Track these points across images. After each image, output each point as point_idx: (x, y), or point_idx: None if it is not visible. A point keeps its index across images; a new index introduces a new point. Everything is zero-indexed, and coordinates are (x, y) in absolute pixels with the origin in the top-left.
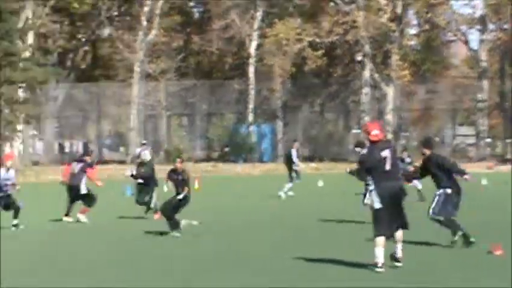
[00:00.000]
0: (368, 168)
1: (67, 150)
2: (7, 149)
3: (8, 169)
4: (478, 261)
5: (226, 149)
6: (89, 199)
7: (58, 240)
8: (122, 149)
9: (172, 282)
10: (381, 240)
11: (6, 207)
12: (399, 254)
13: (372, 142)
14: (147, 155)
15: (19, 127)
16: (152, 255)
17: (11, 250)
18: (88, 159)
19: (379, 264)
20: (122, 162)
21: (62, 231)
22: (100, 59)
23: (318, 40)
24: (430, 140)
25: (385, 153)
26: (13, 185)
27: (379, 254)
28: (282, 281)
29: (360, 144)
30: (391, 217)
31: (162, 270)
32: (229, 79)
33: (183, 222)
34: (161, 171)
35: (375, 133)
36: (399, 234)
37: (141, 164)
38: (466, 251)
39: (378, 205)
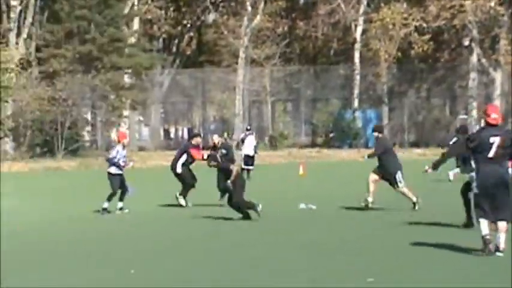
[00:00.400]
0: (473, 149)
1: (172, 136)
2: (113, 134)
3: (123, 147)
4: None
5: (331, 135)
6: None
7: (165, 225)
8: (225, 134)
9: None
10: (483, 223)
11: (122, 185)
12: (501, 244)
13: (488, 125)
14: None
15: (125, 113)
16: (261, 241)
17: (124, 232)
18: (195, 141)
19: (487, 245)
20: None
21: (166, 216)
22: (205, 45)
23: (424, 25)
24: None
25: (494, 139)
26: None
27: (484, 234)
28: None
29: (462, 130)
30: (490, 204)
31: (275, 257)
32: (335, 64)
33: (302, 206)
34: (267, 157)
35: (494, 117)
36: (501, 224)
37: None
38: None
39: (476, 190)
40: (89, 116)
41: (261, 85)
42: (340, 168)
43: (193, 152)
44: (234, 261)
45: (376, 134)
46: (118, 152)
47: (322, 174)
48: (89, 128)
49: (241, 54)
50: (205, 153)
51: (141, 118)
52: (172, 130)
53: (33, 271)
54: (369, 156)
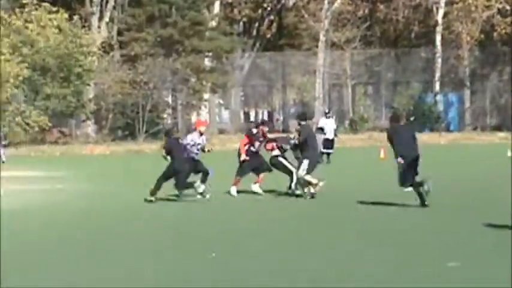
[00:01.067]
0: None
1: (252, 119)
2: (193, 117)
3: (201, 134)
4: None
5: (412, 118)
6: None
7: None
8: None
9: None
10: None
11: (196, 171)
12: None
13: None
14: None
15: (205, 96)
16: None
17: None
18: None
19: None
20: None
21: (242, 199)
22: (285, 28)
23: (507, 7)
24: None
25: None
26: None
27: None
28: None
29: None
30: None
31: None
32: (416, 47)
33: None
34: (347, 140)
35: None
36: None
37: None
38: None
39: None
40: (169, 99)
41: (341, 68)
42: (422, 151)
43: (268, 145)
44: (320, 241)
45: (300, 122)
46: (192, 140)
47: None
48: (169, 111)
49: (322, 38)
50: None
51: (221, 101)
52: (252, 113)
53: (111, 252)
54: (291, 146)
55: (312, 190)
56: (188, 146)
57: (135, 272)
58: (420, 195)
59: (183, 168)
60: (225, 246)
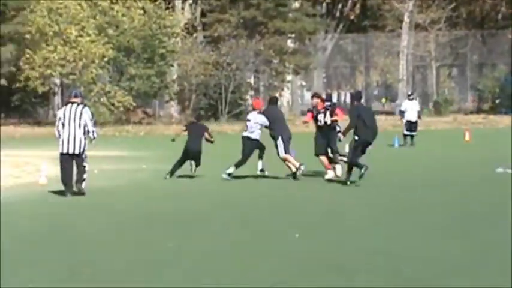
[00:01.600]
0: None
1: (335, 100)
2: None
3: (259, 112)
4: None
5: (498, 101)
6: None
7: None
8: (383, 100)
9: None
10: None
11: (260, 149)
12: None
13: None
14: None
15: (288, 77)
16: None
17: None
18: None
19: None
20: (389, 113)
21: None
22: (369, 10)
23: None
24: None
25: None
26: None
27: None
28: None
29: None
30: None
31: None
32: (502, 29)
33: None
34: (431, 123)
35: None
36: None
37: None
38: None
39: None
40: (252, 81)
41: (425, 50)
42: (507, 134)
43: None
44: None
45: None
46: (251, 120)
47: (488, 140)
48: (252, 93)
49: (406, 19)
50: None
51: (304, 83)
52: (334, 95)
53: (191, 229)
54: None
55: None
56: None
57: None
58: (350, 172)
59: None
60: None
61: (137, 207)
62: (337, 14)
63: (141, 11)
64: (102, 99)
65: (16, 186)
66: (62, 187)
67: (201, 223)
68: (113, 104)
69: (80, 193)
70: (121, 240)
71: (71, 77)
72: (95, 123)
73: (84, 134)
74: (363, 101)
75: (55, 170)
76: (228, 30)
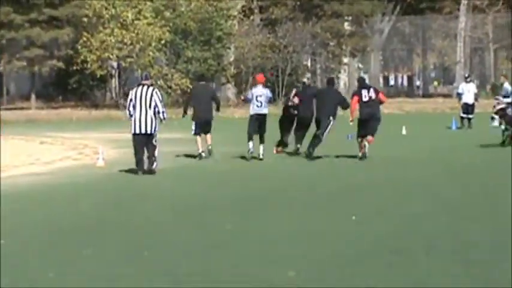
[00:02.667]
0: None
1: (392, 83)
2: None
3: (263, 87)
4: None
5: None
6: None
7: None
8: (435, 83)
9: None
10: None
11: (264, 124)
12: None
13: None
14: None
15: (345, 60)
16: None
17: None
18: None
19: None
20: (447, 96)
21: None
22: None
23: None
24: None
25: None
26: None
27: None
28: None
29: None
30: None
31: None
32: None
33: None
34: (489, 105)
35: None
36: None
37: None
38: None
39: None
40: (309, 63)
41: (483, 32)
42: None
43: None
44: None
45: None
46: (251, 94)
47: None
48: (309, 75)
49: (463, 1)
50: None
51: (361, 65)
52: (391, 77)
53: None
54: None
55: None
56: (248, 99)
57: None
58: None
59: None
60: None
61: (196, 190)
62: None
63: None
64: (159, 82)
65: (75, 167)
66: (123, 167)
67: (261, 206)
68: (170, 87)
69: (151, 172)
70: (181, 223)
71: (128, 60)
72: (165, 105)
73: (154, 114)
74: (418, 83)
75: (112, 153)
76: (285, 12)
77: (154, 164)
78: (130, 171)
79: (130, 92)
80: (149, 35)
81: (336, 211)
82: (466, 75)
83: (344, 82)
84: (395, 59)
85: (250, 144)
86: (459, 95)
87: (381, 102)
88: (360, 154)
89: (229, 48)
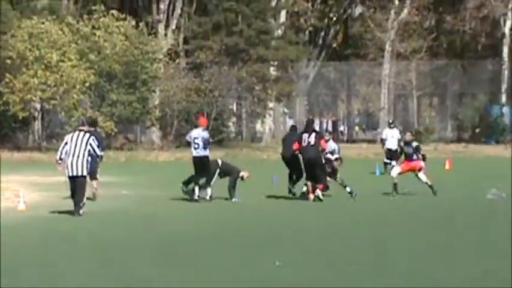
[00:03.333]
0: None
1: (317, 128)
2: (258, 126)
3: (203, 130)
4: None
5: (477, 130)
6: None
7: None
8: (356, 128)
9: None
10: None
11: (202, 166)
12: None
13: None
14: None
15: (270, 104)
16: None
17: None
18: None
19: None
20: (371, 141)
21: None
22: (351, 38)
23: None
24: None
25: None
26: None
27: None
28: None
29: None
30: None
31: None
32: (482, 59)
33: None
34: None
35: None
36: None
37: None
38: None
39: None
40: (234, 108)
41: (406, 79)
42: (486, 164)
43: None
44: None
45: None
46: (189, 136)
47: (468, 169)
48: (234, 120)
49: (388, 48)
50: None
51: (286, 110)
52: (316, 122)
53: (174, 254)
54: None
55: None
56: (189, 140)
57: (203, 272)
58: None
59: None
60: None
61: (118, 232)
62: (320, 42)
63: (123, 37)
64: None
65: None
66: (45, 210)
67: (189, 247)
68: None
69: (79, 214)
70: (99, 266)
71: (51, 102)
72: (103, 149)
73: (88, 158)
74: (342, 128)
75: (34, 196)
76: (211, 56)
77: (82, 209)
78: (52, 214)
79: (67, 136)
80: (73, 77)
81: (260, 256)
82: (390, 121)
83: (269, 127)
84: (320, 104)
85: (196, 188)
86: (383, 141)
87: (322, 149)
88: (311, 197)
89: (155, 91)
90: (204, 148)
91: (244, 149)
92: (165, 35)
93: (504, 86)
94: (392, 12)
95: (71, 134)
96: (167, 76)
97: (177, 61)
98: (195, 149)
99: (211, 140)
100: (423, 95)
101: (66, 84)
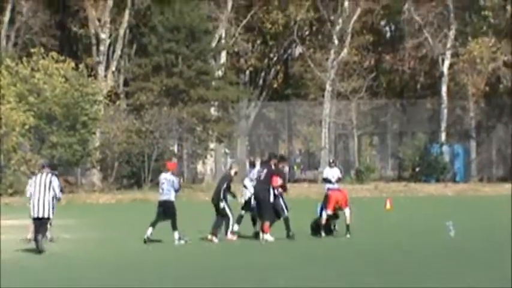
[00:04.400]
0: None
1: (258, 168)
2: (199, 166)
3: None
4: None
5: (418, 169)
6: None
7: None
8: (295, 167)
9: None
10: None
11: (167, 210)
12: None
13: None
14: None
15: (211, 145)
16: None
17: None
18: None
19: None
20: (312, 181)
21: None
22: (291, 78)
23: None
24: None
25: None
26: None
27: None
28: None
29: None
30: None
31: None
32: (421, 98)
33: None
34: (353, 190)
35: None
36: None
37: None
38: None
39: None
40: (175, 148)
41: (347, 118)
42: (428, 202)
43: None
44: None
45: None
46: (158, 179)
47: (409, 208)
48: (175, 160)
49: (328, 88)
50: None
51: (227, 150)
52: (257, 162)
53: None
54: None
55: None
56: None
57: None
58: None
59: None
60: None
61: (61, 276)
62: (260, 82)
63: (63, 79)
64: (22, 168)
65: None
66: None
67: None
68: (33, 173)
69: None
70: None
71: None
72: (62, 190)
73: (52, 199)
74: (287, 168)
75: None
76: (151, 98)
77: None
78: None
79: (31, 179)
80: (13, 120)
81: None
82: (331, 160)
83: (210, 168)
84: (262, 144)
85: (149, 230)
86: (324, 180)
87: (273, 187)
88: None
89: (95, 133)
90: (169, 192)
91: (186, 190)
92: (105, 76)
93: (443, 125)
94: (332, 51)
95: (34, 177)
96: (107, 118)
97: (117, 103)
98: (160, 193)
99: (177, 184)
100: (363, 134)
101: (5, 126)
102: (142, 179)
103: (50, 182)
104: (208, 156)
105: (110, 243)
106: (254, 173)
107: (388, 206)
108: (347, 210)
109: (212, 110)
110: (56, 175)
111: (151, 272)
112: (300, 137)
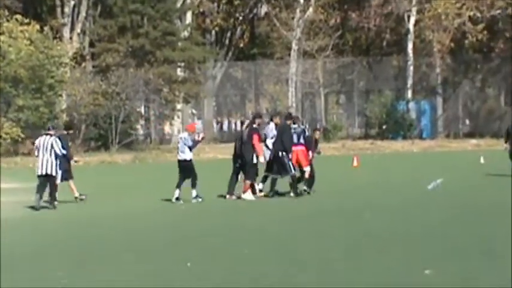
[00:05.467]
0: None
1: (225, 128)
2: (167, 127)
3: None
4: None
5: (385, 126)
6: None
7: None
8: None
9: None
10: None
11: (183, 169)
12: None
13: None
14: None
15: (178, 106)
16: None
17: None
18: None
19: None
20: None
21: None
22: (257, 38)
23: (478, 14)
24: None
25: None
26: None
27: None
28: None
29: None
30: None
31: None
32: (387, 55)
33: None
34: (321, 148)
35: None
36: None
37: None
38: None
39: None
40: (142, 110)
41: (313, 77)
42: (394, 159)
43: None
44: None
45: None
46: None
47: (375, 165)
48: (142, 122)
49: (294, 47)
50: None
51: (194, 111)
52: (225, 123)
53: (87, 265)
54: None
55: None
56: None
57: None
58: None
59: None
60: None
61: (31, 240)
62: (227, 42)
63: (28, 41)
64: None
65: None
66: None
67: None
68: (0, 136)
69: (54, 206)
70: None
71: None
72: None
73: (56, 158)
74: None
75: None
76: (117, 59)
77: (55, 202)
78: None
79: (37, 140)
80: None
81: (172, 258)
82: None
83: (178, 129)
84: (229, 104)
85: (176, 191)
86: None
87: (253, 145)
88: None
89: (61, 95)
90: (184, 151)
91: (154, 152)
92: (71, 38)
93: (409, 82)
94: (297, 10)
95: (39, 138)
96: (74, 80)
97: (83, 65)
98: (178, 153)
99: (190, 144)
100: (330, 93)
101: None
102: (109, 141)
103: (51, 144)
104: (176, 117)
105: (75, 205)
106: (272, 129)
107: (355, 163)
108: (307, 169)
109: (178, 70)
110: (68, 134)
111: (113, 232)
112: (266, 96)
